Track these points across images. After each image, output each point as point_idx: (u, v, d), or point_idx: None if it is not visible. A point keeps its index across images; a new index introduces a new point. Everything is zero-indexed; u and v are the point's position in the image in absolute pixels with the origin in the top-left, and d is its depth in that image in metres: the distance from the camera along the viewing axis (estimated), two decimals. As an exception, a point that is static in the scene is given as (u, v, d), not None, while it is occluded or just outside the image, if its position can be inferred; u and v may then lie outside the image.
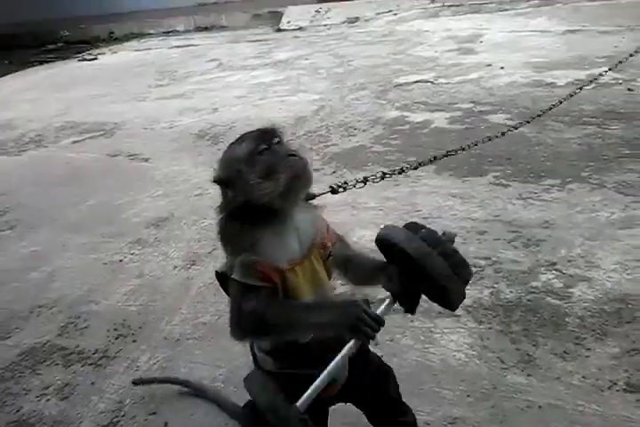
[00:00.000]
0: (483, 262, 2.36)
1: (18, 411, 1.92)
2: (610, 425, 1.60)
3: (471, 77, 4.78)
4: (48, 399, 1.94)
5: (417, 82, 4.83)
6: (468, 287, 2.15)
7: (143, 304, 2.36)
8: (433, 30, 6.71)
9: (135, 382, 1.91)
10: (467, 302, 2.11)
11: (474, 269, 2.27)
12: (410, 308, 1.21)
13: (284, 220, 1.17)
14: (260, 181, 1.12)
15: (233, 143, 1.21)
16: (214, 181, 1.17)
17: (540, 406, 1.68)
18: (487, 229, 2.59)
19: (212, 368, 1.95)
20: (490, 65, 5.05)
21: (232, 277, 1.14)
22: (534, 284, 2.19)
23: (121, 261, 2.71)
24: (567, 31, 5.90)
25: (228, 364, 1.94)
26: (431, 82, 4.79)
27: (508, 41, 5.81)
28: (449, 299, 1.18)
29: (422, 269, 1.12)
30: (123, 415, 1.83)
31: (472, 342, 1.94)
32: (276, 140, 1.17)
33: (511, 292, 2.16)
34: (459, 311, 2.07)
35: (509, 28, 6.32)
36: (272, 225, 1.15)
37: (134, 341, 2.16)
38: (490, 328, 1.99)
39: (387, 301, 1.18)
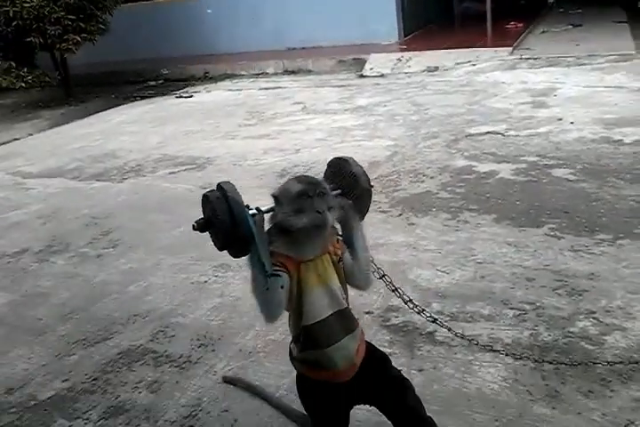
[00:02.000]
0: (527, 307, 2.59)
1: (116, 398, 2.30)
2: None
3: (540, 131, 5.00)
4: (140, 392, 2.31)
5: (488, 133, 5.10)
6: (509, 328, 2.42)
7: (223, 320, 2.72)
8: (509, 82, 6.96)
9: (225, 380, 2.30)
10: (507, 340, 2.38)
11: (518, 313, 2.54)
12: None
13: (304, 235, 1.55)
14: (288, 215, 1.53)
15: (293, 179, 1.59)
16: (271, 194, 1.59)
17: (559, 435, 1.91)
18: (535, 276, 2.82)
19: (278, 378, 2.27)
20: (560, 119, 5.26)
21: None
22: (571, 329, 2.41)
23: (206, 282, 3.10)
24: (642, 88, 6.03)
25: (291, 376, 2.25)
26: (501, 134, 5.04)
27: (582, 96, 5.98)
28: (367, 199, 1.73)
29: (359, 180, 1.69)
30: (200, 410, 2.18)
31: (507, 376, 2.18)
32: (320, 191, 1.53)
33: (549, 335, 2.39)
34: (498, 347, 2.33)
35: (585, 83, 6.48)
36: (296, 234, 1.54)
37: (213, 350, 2.51)
38: (524, 365, 2.22)
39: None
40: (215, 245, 1.58)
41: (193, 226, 1.55)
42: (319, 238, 1.56)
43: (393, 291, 1.94)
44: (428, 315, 2.16)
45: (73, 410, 2.28)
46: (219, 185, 1.54)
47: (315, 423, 1.73)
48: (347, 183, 1.69)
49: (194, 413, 2.17)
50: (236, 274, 3.13)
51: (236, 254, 1.57)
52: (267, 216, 1.57)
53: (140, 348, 2.60)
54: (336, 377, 1.62)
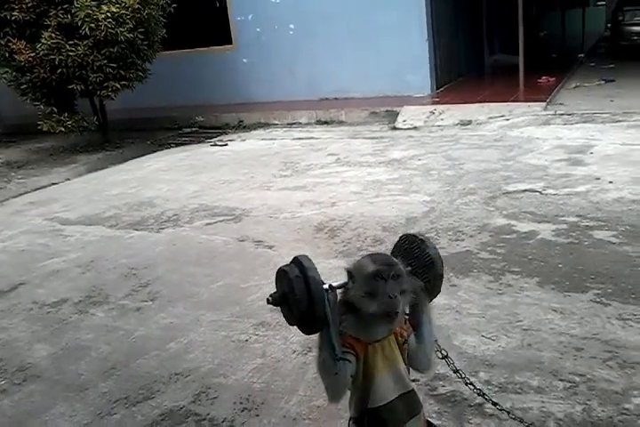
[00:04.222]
0: (577, 379, 2.52)
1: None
2: None
3: (579, 190, 4.97)
4: (185, 458, 2.28)
5: (525, 191, 5.08)
6: (561, 401, 2.35)
7: (265, 382, 2.69)
8: (544, 138, 6.97)
9: None
10: (559, 415, 2.31)
11: (568, 385, 2.47)
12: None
13: (373, 319, 1.54)
14: (360, 296, 1.52)
15: (368, 257, 1.58)
16: (345, 269, 1.59)
17: None
18: (584, 346, 2.76)
19: (325, 449, 2.23)
20: (599, 178, 5.23)
21: None
22: (626, 405, 2.33)
23: (246, 340, 3.07)
24: (680, 147, 6.00)
25: (339, 447, 2.21)
26: (539, 192, 5.02)
27: (619, 154, 5.96)
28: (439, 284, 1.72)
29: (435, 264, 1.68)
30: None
31: (562, 455, 2.11)
32: (395, 274, 1.51)
33: (603, 411, 2.31)
34: (551, 424, 2.25)
35: (621, 141, 6.46)
36: (365, 316, 1.53)
37: (257, 415, 2.47)
38: (580, 443, 2.15)
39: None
40: (287, 320, 1.57)
41: (267, 300, 1.55)
42: (388, 323, 1.54)
43: (454, 371, 1.90)
44: (481, 392, 2.09)
45: (115, 474, 2.24)
46: (296, 259, 1.53)
47: None
48: (420, 264, 1.68)
49: (239, 483, 2.13)
50: (277, 333, 3.11)
51: (307, 332, 1.56)
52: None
53: (183, 409, 2.57)
54: None
